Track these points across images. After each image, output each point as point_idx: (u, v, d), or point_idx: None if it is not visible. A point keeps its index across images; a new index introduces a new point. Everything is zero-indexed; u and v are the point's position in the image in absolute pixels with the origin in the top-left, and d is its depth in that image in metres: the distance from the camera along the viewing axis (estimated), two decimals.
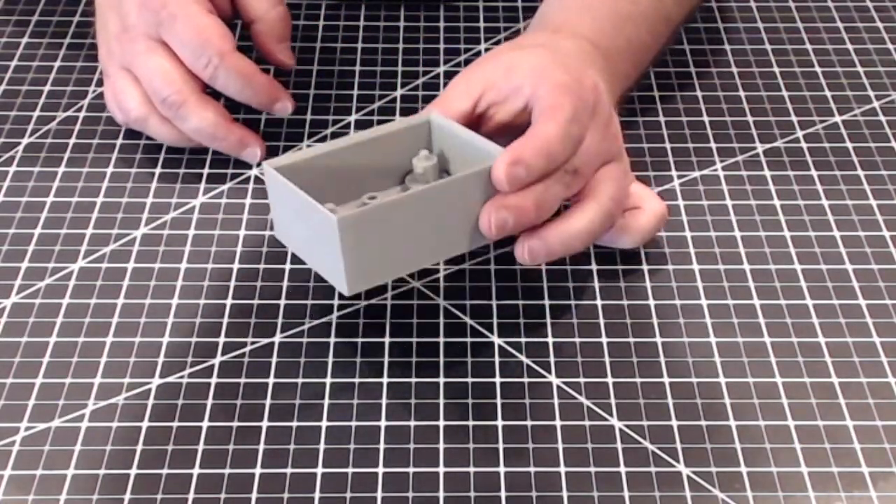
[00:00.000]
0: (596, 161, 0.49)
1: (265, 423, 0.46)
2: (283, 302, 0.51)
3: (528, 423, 0.47)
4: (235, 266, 0.53)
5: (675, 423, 0.47)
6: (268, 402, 0.47)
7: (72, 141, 0.59)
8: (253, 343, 0.50)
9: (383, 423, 0.46)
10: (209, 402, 0.47)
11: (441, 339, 0.50)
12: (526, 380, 0.48)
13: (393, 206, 0.44)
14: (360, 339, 0.50)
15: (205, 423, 0.46)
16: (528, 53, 0.51)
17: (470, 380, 0.48)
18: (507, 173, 0.45)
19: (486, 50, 0.66)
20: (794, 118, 0.61)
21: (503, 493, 0.44)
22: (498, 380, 0.48)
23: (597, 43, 0.54)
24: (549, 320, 0.51)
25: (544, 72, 0.49)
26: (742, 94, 0.63)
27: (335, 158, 0.48)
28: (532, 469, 0.45)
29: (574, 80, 0.49)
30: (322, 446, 0.46)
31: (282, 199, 0.47)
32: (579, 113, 0.48)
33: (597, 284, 0.52)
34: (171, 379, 0.48)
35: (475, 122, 0.50)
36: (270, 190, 0.48)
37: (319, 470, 0.45)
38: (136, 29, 0.55)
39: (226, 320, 0.50)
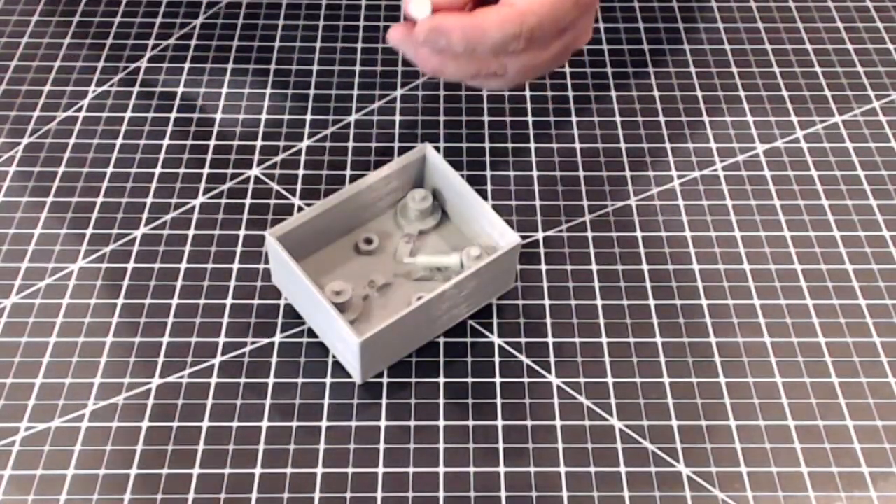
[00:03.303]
0: (534, 72, 0.47)
1: (265, 423, 0.46)
2: (282, 302, 0.51)
3: (528, 423, 0.47)
4: (235, 266, 0.53)
5: (675, 423, 0.47)
6: (268, 402, 0.47)
7: (72, 141, 0.59)
8: (253, 343, 0.50)
9: (383, 422, 0.47)
10: (209, 402, 0.47)
11: (441, 339, 0.50)
12: (526, 380, 0.48)
13: (401, 319, 0.46)
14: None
15: (205, 423, 0.46)
16: None
17: (470, 380, 0.48)
18: (425, 34, 0.44)
19: None
20: (794, 118, 0.61)
21: (503, 493, 0.44)
22: (498, 380, 0.48)
23: None
24: (549, 320, 0.51)
25: None
26: (742, 93, 0.63)
27: (333, 211, 0.50)
28: (532, 469, 0.45)
29: None
30: (322, 446, 0.46)
31: (286, 269, 0.48)
32: (543, 31, 0.45)
33: (597, 284, 0.52)
34: (171, 379, 0.48)
35: None
36: (272, 255, 0.48)
37: (319, 470, 0.45)
38: None
39: (226, 320, 0.50)
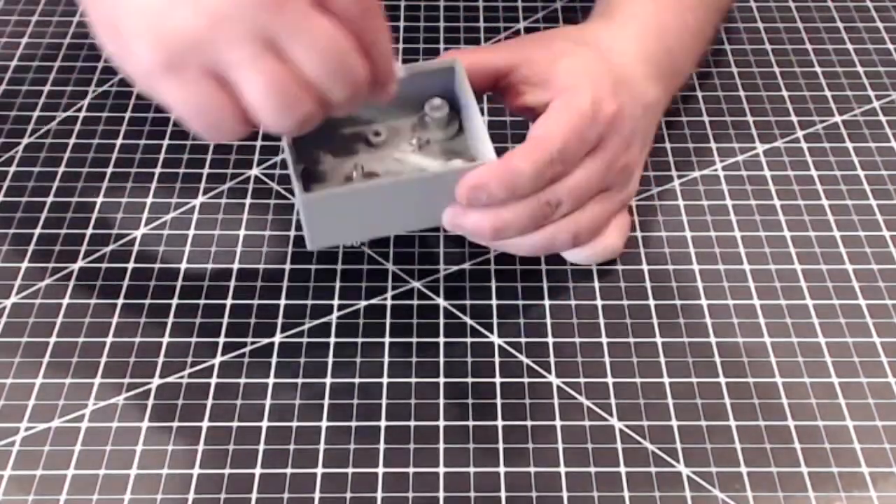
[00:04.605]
0: (585, 195, 0.49)
1: (265, 423, 0.46)
2: (283, 302, 0.51)
3: (528, 423, 0.47)
4: (235, 266, 0.53)
5: (675, 423, 0.47)
6: (268, 402, 0.47)
7: (72, 141, 0.59)
8: (253, 343, 0.50)
9: (383, 423, 0.46)
10: (209, 402, 0.47)
11: (441, 339, 0.50)
12: (526, 380, 0.48)
13: (354, 192, 0.46)
14: (360, 339, 0.50)
15: (205, 423, 0.46)
16: (579, 54, 0.50)
17: (470, 380, 0.48)
18: (467, 195, 0.46)
19: None
20: (794, 118, 0.61)
21: (503, 493, 0.44)
22: (498, 380, 0.48)
23: (662, 38, 0.53)
24: (549, 320, 0.51)
25: (574, 84, 0.49)
26: (742, 94, 0.63)
27: None
28: (532, 469, 0.45)
29: (592, 108, 0.48)
30: (322, 446, 0.46)
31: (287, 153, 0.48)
32: (570, 151, 0.47)
33: (597, 284, 0.52)
34: (171, 379, 0.48)
35: (503, 87, 0.51)
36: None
37: (319, 470, 0.45)
38: None
39: (226, 320, 0.50)
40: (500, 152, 0.47)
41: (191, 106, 0.40)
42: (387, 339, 0.50)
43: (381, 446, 0.46)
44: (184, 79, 0.39)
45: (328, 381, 0.48)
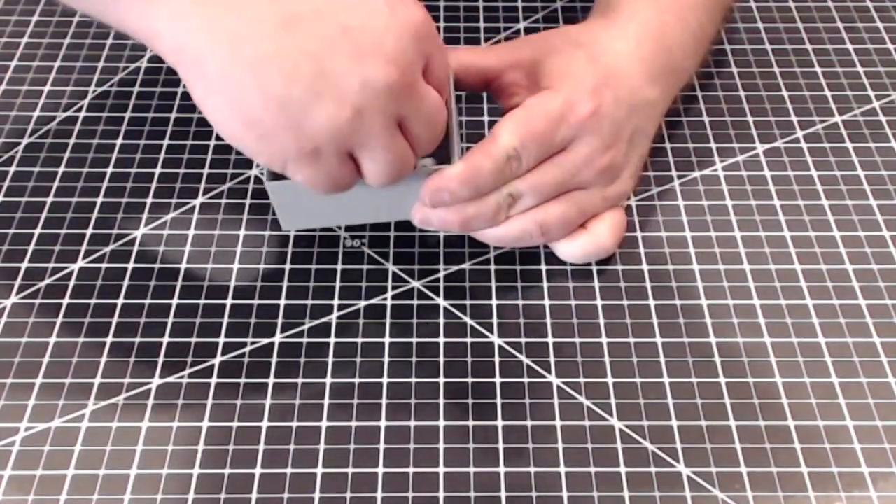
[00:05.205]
0: (549, 191, 0.49)
1: (265, 423, 0.46)
2: (283, 302, 0.51)
3: (528, 423, 0.47)
4: (235, 266, 0.53)
5: (675, 423, 0.47)
6: (268, 402, 0.47)
7: (72, 141, 0.59)
8: (253, 343, 0.50)
9: (383, 423, 0.47)
10: (209, 402, 0.47)
11: (441, 339, 0.50)
12: (526, 380, 0.48)
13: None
14: (360, 339, 0.50)
15: (205, 423, 0.46)
16: (568, 53, 0.51)
17: (470, 380, 0.48)
18: (430, 197, 0.48)
19: None
20: (794, 118, 0.61)
21: (503, 493, 0.44)
22: (498, 380, 0.48)
23: (662, 38, 0.53)
24: (549, 320, 0.51)
25: (552, 85, 0.49)
26: (742, 94, 0.63)
27: None
28: (532, 469, 0.45)
29: (561, 109, 0.48)
30: (322, 446, 0.46)
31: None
32: (529, 149, 0.47)
33: (597, 284, 0.52)
34: (171, 379, 0.48)
35: (496, 89, 0.52)
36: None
37: (319, 470, 0.45)
38: None
39: (226, 320, 0.50)
40: None
41: (321, 180, 0.44)
42: (387, 339, 0.50)
43: (381, 446, 0.46)
44: (320, 161, 0.43)
45: (328, 381, 0.48)
